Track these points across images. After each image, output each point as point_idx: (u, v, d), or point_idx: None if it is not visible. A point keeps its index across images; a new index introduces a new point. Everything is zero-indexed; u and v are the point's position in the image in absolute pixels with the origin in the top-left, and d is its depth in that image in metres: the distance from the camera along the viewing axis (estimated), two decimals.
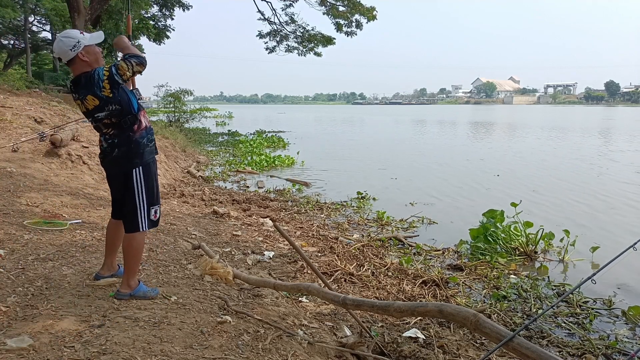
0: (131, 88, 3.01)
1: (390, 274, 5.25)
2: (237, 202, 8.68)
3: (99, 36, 2.94)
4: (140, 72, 2.88)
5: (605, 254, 5.97)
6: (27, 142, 8.20)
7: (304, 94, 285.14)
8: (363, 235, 6.88)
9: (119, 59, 2.89)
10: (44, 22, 32.84)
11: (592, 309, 4.61)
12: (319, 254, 5.75)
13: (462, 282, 5.18)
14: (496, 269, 5.64)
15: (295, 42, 23.67)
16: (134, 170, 2.93)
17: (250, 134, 26.57)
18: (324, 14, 21.48)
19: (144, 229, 3.02)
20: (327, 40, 22.80)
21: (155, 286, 3.39)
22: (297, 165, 14.73)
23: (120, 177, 3.00)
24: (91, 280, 3.28)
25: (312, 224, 7.27)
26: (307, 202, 9.01)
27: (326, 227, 7.23)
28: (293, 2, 22.29)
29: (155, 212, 3.08)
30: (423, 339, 3.69)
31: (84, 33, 2.88)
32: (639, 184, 11.42)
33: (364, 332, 3.42)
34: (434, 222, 7.91)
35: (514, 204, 6.56)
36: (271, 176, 12.56)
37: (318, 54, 23.42)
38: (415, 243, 6.65)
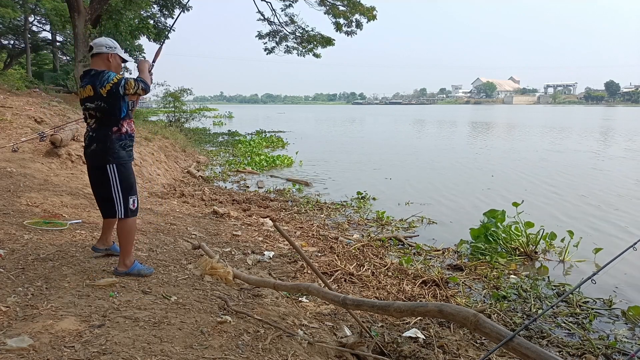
0: (129, 99, 3.39)
1: (390, 274, 5.25)
2: (237, 202, 8.68)
3: (128, 57, 3.61)
4: (140, 95, 3.36)
5: (605, 254, 5.97)
6: (27, 142, 8.20)
7: (304, 94, 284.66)
8: (363, 235, 6.88)
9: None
10: (44, 22, 32.84)
11: (592, 309, 4.61)
12: (319, 254, 5.75)
13: (462, 282, 5.18)
14: (496, 269, 5.64)
15: (294, 42, 23.67)
16: (107, 165, 3.32)
17: (249, 134, 26.57)
18: (324, 13, 21.49)
19: (122, 217, 3.39)
20: (327, 41, 22.78)
21: (155, 286, 3.39)
22: (296, 165, 14.74)
23: (97, 170, 3.41)
24: (91, 280, 3.28)
25: (312, 224, 7.27)
26: (307, 202, 9.01)
27: (326, 227, 7.23)
28: (293, 2, 22.29)
29: (134, 202, 3.44)
30: (423, 339, 3.69)
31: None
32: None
33: (364, 332, 3.42)
34: (433, 222, 7.92)
35: (515, 204, 6.56)
36: (271, 176, 12.56)
37: (317, 56, 23.39)
38: (415, 243, 6.65)
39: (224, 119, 46.23)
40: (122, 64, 3.53)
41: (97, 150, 3.32)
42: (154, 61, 3.88)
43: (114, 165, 3.32)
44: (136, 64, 3.66)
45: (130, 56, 31.26)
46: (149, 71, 3.55)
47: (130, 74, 34.19)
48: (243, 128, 31.08)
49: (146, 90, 3.33)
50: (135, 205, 3.45)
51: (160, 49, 4.26)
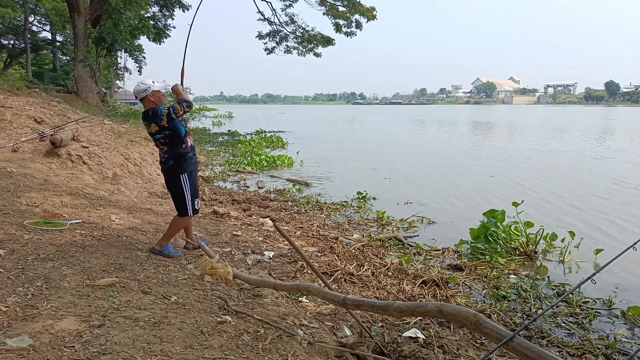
0: (181, 119, 4.23)
1: (390, 274, 5.25)
2: (237, 202, 8.68)
3: (164, 86, 4.31)
4: (188, 112, 4.21)
5: (605, 255, 5.97)
6: (27, 142, 8.20)
7: (304, 94, 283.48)
8: (363, 235, 6.88)
9: (173, 102, 4.20)
10: (44, 22, 32.86)
11: (592, 309, 4.61)
12: (319, 254, 5.75)
13: (462, 282, 5.18)
14: (496, 269, 5.64)
15: (294, 42, 23.70)
16: (181, 176, 4.24)
17: (249, 134, 26.53)
18: (324, 14, 21.50)
19: (190, 214, 4.37)
20: (327, 41, 22.80)
21: (155, 285, 3.40)
22: (297, 165, 14.74)
23: (173, 179, 4.28)
24: (91, 280, 3.28)
25: (312, 224, 7.27)
26: (307, 202, 9.01)
27: (326, 227, 7.23)
28: (293, 2, 22.31)
29: (197, 203, 4.39)
30: (423, 339, 3.69)
31: (155, 82, 4.20)
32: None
33: (364, 332, 3.42)
34: (433, 222, 7.92)
35: (515, 204, 6.55)
36: (271, 176, 12.56)
37: (317, 55, 23.43)
38: (415, 243, 6.65)
39: (224, 119, 46.21)
40: (163, 90, 4.27)
41: (173, 166, 4.22)
42: (181, 82, 4.58)
43: (185, 175, 4.24)
44: (169, 86, 4.44)
45: (130, 56, 31.21)
46: (182, 87, 4.37)
47: (131, 73, 34.26)
48: (243, 128, 31.05)
49: (190, 106, 4.17)
50: (198, 206, 4.43)
51: (183, 69, 4.83)
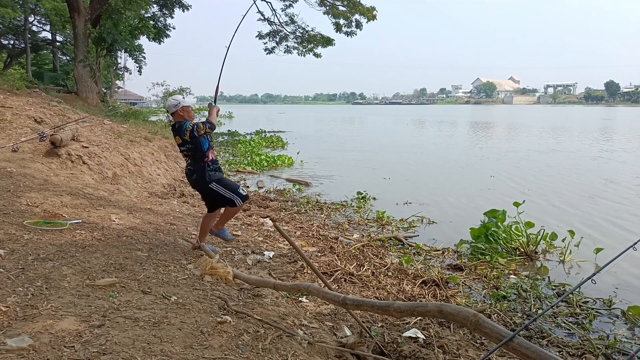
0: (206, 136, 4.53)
1: (390, 274, 5.25)
2: None
3: (192, 102, 4.53)
4: (209, 133, 4.49)
5: (606, 254, 5.97)
6: (27, 142, 8.20)
7: (304, 94, 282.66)
8: (363, 235, 6.88)
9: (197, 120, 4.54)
10: (44, 22, 32.84)
11: (592, 309, 4.61)
12: (319, 254, 5.75)
13: (462, 282, 5.18)
14: (496, 269, 5.64)
15: (294, 42, 23.68)
16: (209, 185, 4.48)
17: (249, 134, 26.51)
18: (324, 13, 21.48)
19: (240, 204, 4.55)
20: (327, 41, 22.78)
21: (155, 285, 3.40)
22: (297, 165, 14.75)
23: (202, 189, 4.59)
24: (91, 280, 3.28)
25: (312, 224, 7.27)
26: (307, 202, 9.01)
27: (326, 227, 7.23)
28: (293, 2, 22.29)
29: (242, 190, 4.57)
30: (423, 339, 3.69)
31: (185, 98, 4.56)
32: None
33: (364, 332, 3.42)
34: (433, 222, 7.92)
35: (516, 204, 6.55)
36: (271, 176, 12.56)
37: (317, 55, 23.40)
38: (415, 243, 6.65)
39: (224, 119, 46.17)
40: (191, 106, 4.63)
41: (198, 179, 4.49)
42: (215, 101, 4.88)
43: (214, 183, 4.48)
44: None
45: (130, 56, 31.21)
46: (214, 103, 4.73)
47: (131, 73, 34.23)
48: (243, 128, 31.02)
49: (212, 128, 4.51)
50: (244, 191, 4.60)
51: (217, 87, 5.14)
